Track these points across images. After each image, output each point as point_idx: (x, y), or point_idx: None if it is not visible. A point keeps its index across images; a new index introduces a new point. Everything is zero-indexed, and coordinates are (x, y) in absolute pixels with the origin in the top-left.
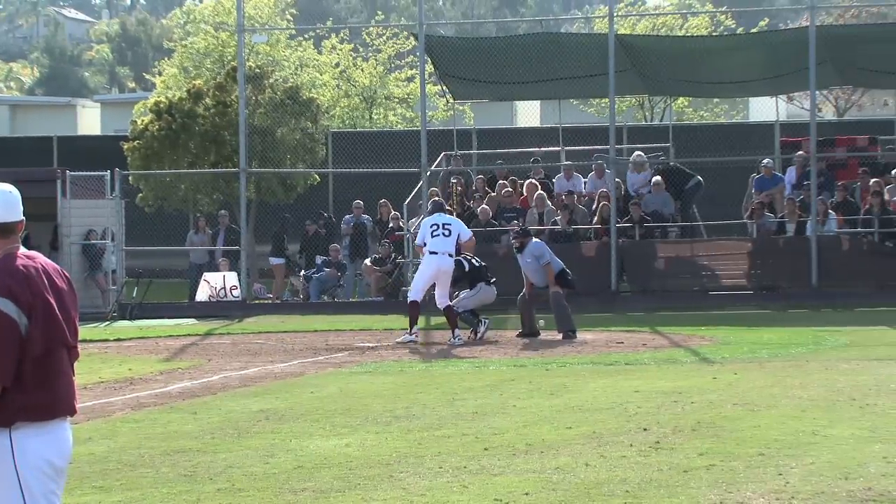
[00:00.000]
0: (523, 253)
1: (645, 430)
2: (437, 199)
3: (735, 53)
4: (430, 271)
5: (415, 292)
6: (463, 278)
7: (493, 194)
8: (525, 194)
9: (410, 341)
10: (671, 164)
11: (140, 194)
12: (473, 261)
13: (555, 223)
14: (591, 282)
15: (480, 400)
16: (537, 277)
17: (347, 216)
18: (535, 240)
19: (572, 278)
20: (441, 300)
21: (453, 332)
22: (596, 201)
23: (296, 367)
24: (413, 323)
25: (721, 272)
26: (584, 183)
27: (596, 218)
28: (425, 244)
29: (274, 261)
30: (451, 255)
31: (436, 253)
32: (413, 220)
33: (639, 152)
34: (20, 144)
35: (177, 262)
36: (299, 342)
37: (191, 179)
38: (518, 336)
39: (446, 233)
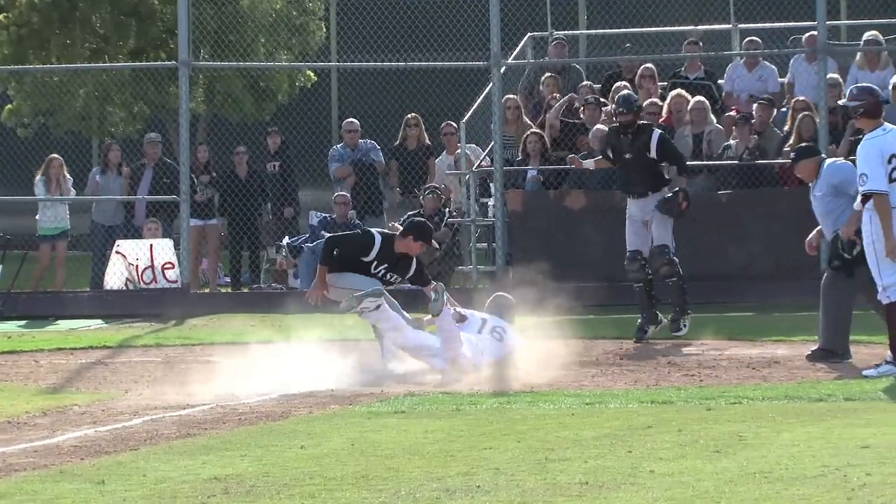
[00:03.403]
0: (816, 182)
1: None
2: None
3: None
4: None
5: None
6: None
7: (609, 107)
8: (668, 106)
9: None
10: None
11: (8, 106)
12: None
13: (726, 151)
14: (787, 255)
15: (593, 462)
16: (829, 224)
17: (338, 146)
18: (837, 159)
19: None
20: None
21: None
22: (790, 116)
23: (277, 404)
24: None
25: None
26: (781, 81)
27: (792, 139)
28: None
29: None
30: None
31: None
32: (471, 145)
33: (873, 32)
34: None
35: (73, 222)
36: (281, 359)
37: (96, 80)
38: (810, 356)
39: None
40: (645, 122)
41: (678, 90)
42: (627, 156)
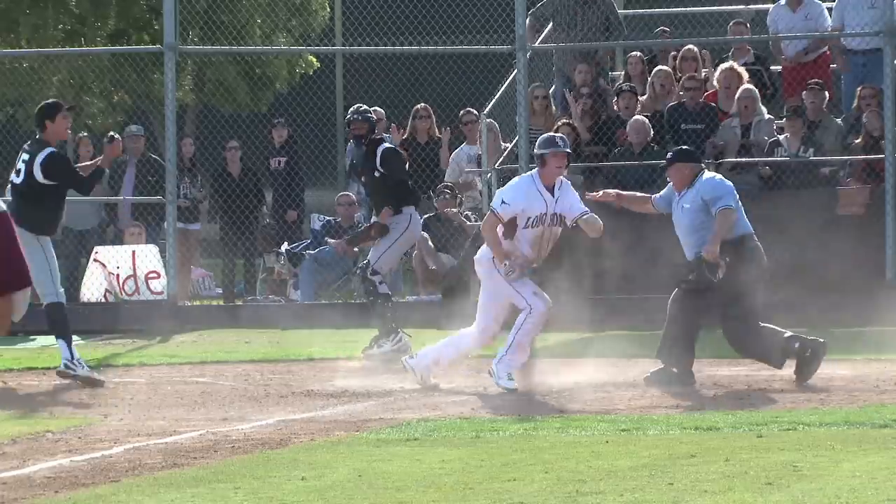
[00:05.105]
0: (686, 192)
1: None
2: None
3: None
4: None
5: None
6: None
7: (645, 96)
8: (718, 83)
9: None
10: None
11: None
12: None
13: (774, 147)
14: (847, 268)
15: (630, 495)
16: (694, 241)
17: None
18: (715, 175)
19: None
20: None
21: None
22: (856, 100)
23: (274, 430)
24: None
25: None
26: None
27: (859, 138)
28: None
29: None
30: None
31: None
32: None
33: None
34: None
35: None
36: (280, 379)
37: (71, 67)
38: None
39: None
40: (378, 136)
41: (731, 63)
42: (363, 178)
